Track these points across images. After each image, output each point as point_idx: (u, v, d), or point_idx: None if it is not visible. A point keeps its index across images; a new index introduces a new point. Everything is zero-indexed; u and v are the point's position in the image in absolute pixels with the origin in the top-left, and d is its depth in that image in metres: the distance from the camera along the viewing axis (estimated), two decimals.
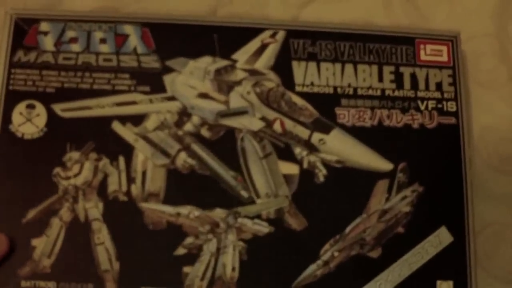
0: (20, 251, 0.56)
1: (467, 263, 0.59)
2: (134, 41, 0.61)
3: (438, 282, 0.58)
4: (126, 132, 0.59)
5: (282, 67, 0.62)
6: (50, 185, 0.58)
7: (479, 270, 0.61)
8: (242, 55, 0.62)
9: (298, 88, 0.61)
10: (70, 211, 0.57)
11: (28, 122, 0.59)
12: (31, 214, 0.57)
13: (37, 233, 0.57)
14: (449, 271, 0.59)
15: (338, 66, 0.62)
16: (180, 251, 0.57)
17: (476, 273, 0.59)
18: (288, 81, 0.62)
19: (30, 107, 0.59)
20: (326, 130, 0.60)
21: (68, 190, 0.58)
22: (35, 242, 0.56)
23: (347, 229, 0.59)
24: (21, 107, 0.59)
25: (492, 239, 0.63)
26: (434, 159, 0.61)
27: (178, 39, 0.62)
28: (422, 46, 0.63)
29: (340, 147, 0.60)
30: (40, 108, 0.59)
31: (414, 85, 0.62)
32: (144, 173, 0.59)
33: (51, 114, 0.59)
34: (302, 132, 0.60)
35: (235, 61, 0.62)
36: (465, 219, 0.60)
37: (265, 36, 0.63)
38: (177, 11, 0.66)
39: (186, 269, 0.57)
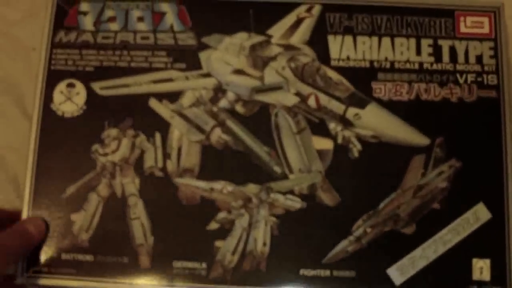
0: (60, 225, 0.62)
1: (505, 241, 0.61)
2: (170, 18, 0.66)
3: (474, 260, 0.61)
4: (162, 109, 0.64)
5: (317, 41, 0.66)
6: (89, 162, 0.64)
7: None
8: (277, 30, 0.66)
9: (333, 63, 0.65)
10: (108, 186, 0.63)
11: (69, 100, 0.65)
12: (71, 190, 0.63)
13: (76, 208, 0.63)
14: (486, 249, 0.62)
15: (375, 39, 0.66)
16: (213, 225, 0.62)
17: None
18: (323, 55, 0.65)
19: (71, 86, 0.65)
20: (362, 104, 0.64)
21: (106, 166, 0.64)
22: (74, 217, 0.63)
23: (381, 205, 0.62)
24: (61, 86, 0.65)
25: None
26: (473, 134, 0.63)
27: (214, 16, 0.66)
28: (462, 18, 0.66)
29: (376, 122, 0.64)
30: (79, 87, 0.65)
31: (453, 58, 0.65)
32: (179, 149, 0.64)
33: (90, 93, 0.65)
34: (337, 107, 0.64)
35: (270, 36, 0.66)
36: (505, 195, 0.62)
37: (300, 10, 0.66)
38: None
39: (218, 243, 0.62)
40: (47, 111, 0.65)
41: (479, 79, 0.65)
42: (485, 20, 0.66)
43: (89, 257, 0.62)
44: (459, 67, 0.65)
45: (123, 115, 0.65)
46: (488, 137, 0.63)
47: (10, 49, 0.72)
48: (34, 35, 0.68)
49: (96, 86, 0.65)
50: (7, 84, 0.71)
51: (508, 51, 0.67)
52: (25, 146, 0.64)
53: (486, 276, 0.61)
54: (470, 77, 0.65)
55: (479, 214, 0.62)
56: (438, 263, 0.61)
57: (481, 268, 0.61)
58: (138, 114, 0.64)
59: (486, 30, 0.66)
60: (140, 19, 0.67)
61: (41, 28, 0.67)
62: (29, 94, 0.68)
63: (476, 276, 0.61)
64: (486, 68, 0.65)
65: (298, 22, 0.66)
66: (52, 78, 0.66)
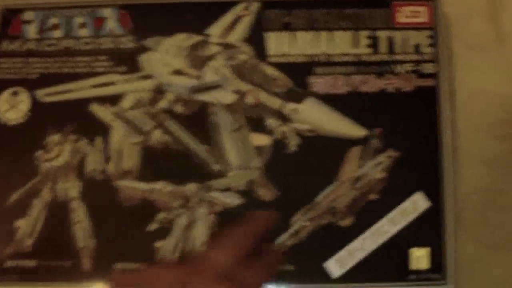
0: (4, 233, 0.65)
1: (444, 229, 0.62)
2: (111, 23, 0.69)
3: (413, 250, 0.62)
4: (103, 112, 0.67)
5: (256, 39, 0.68)
6: (32, 168, 0.66)
7: (465, 237, 0.65)
8: (215, 30, 0.68)
9: (271, 59, 0.67)
10: (51, 191, 0.65)
11: (13, 108, 0.67)
12: (14, 196, 0.66)
13: (20, 215, 0.65)
14: (425, 238, 0.63)
15: (312, 34, 0.67)
16: (153, 226, 0.64)
17: (455, 239, 0.62)
18: (261, 52, 0.67)
19: (15, 94, 0.68)
20: (299, 99, 0.66)
21: (49, 172, 0.66)
22: (18, 223, 0.65)
23: (319, 198, 0.63)
24: (6, 94, 0.68)
25: (480, 205, 0.66)
26: (410, 123, 0.65)
27: (154, 18, 0.69)
28: (399, 8, 0.67)
29: (313, 116, 0.65)
30: (24, 95, 0.68)
31: (391, 48, 0.66)
32: (120, 152, 0.66)
33: (34, 100, 0.68)
34: (275, 103, 0.66)
35: (208, 35, 0.68)
36: (443, 184, 0.63)
37: (238, 9, 0.68)
38: None
39: (158, 243, 0.63)
40: None
41: (417, 67, 0.66)
42: (423, 9, 0.67)
43: (32, 262, 0.64)
44: (396, 57, 0.66)
45: (66, 120, 0.67)
46: (426, 126, 0.64)
47: None
48: None
49: (41, 93, 0.68)
50: None
51: (450, 41, 0.69)
52: None
53: (425, 265, 0.62)
54: (408, 67, 0.66)
55: (418, 203, 0.63)
56: (376, 254, 0.62)
57: (420, 257, 0.62)
58: (80, 119, 0.67)
59: (423, 19, 0.67)
60: (82, 25, 0.69)
61: None
62: None
63: (414, 265, 0.62)
64: (424, 57, 0.66)
65: (236, 20, 0.68)
66: None
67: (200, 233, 0.64)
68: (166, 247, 0.63)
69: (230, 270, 0.50)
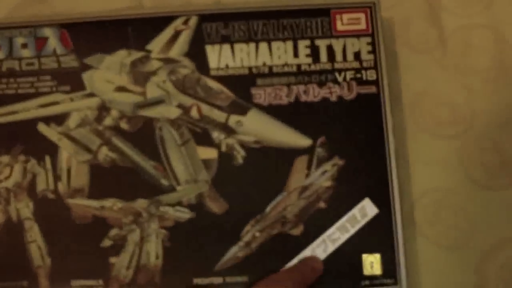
0: None
1: (393, 234, 0.64)
2: (53, 42, 0.69)
3: (364, 256, 0.64)
4: (50, 132, 0.67)
5: (196, 52, 0.69)
6: None
7: (417, 239, 0.67)
8: (156, 45, 0.69)
9: (213, 72, 0.68)
10: (3, 212, 0.66)
11: None
12: None
13: None
14: (375, 243, 0.65)
15: (252, 46, 0.68)
16: (106, 242, 0.65)
17: (406, 243, 0.64)
18: (202, 66, 0.68)
19: None
20: (243, 111, 0.67)
21: (0, 192, 0.67)
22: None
23: (268, 209, 0.65)
24: None
25: (432, 205, 0.69)
26: (354, 130, 0.66)
27: (94, 36, 0.69)
28: (338, 16, 0.68)
29: (257, 127, 0.66)
30: None
31: (331, 57, 0.68)
32: (69, 170, 0.67)
33: None
34: (219, 116, 0.67)
35: (149, 51, 0.69)
36: (390, 189, 0.65)
37: (177, 23, 0.69)
38: (94, 7, 0.73)
39: (113, 259, 0.65)
40: None
41: (358, 75, 0.67)
42: (362, 16, 0.68)
43: None
44: (337, 66, 0.67)
45: (14, 141, 0.68)
46: (370, 133, 0.66)
47: None
48: None
49: None
50: None
51: (393, 45, 0.71)
52: None
53: (377, 270, 0.64)
54: (349, 74, 0.67)
55: (366, 209, 0.65)
56: (328, 261, 0.64)
57: (372, 263, 0.64)
58: (28, 139, 0.68)
59: (363, 26, 0.68)
60: (24, 45, 0.70)
61: None
62: None
63: (367, 271, 0.64)
64: (364, 64, 0.67)
65: (176, 35, 0.69)
66: None
67: (153, 248, 0.65)
68: (120, 262, 0.65)
69: None
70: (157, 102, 0.68)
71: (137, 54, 0.69)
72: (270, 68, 0.68)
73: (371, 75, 0.67)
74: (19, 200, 0.67)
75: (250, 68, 0.68)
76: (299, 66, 0.68)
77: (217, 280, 0.64)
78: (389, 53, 0.69)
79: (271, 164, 0.66)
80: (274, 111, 0.67)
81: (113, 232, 0.65)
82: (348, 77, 0.67)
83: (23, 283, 0.65)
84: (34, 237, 0.66)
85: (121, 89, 0.68)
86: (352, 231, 0.64)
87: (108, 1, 0.75)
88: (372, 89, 0.67)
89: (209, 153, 0.67)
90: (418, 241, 0.67)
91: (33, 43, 0.70)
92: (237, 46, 0.68)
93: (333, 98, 0.67)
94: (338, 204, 0.65)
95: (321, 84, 0.67)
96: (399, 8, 0.72)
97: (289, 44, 0.68)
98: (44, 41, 0.70)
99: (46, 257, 0.65)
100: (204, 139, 0.67)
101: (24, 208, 0.67)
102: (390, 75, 0.68)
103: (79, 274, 0.65)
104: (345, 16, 0.68)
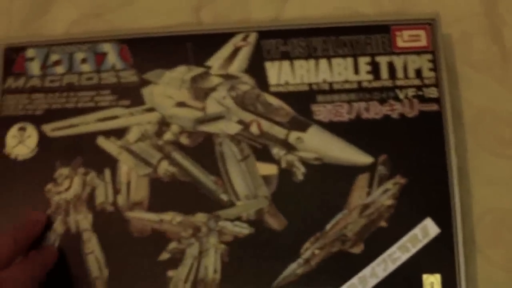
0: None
1: (455, 254, 0.63)
2: (112, 58, 0.71)
3: (425, 276, 0.63)
4: (110, 145, 0.69)
5: (255, 69, 0.69)
6: (44, 201, 0.68)
7: (479, 258, 0.67)
8: (215, 61, 0.70)
9: (272, 89, 0.68)
10: (63, 223, 0.67)
11: (21, 144, 0.69)
12: None
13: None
14: (436, 263, 0.64)
15: (312, 62, 0.69)
16: (164, 256, 0.65)
17: (467, 263, 0.63)
18: (262, 82, 0.69)
19: (22, 129, 0.70)
20: (303, 128, 0.67)
21: (60, 204, 0.68)
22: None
23: (328, 226, 0.65)
24: (13, 130, 0.70)
25: (492, 225, 0.68)
26: (416, 148, 0.66)
27: (154, 52, 0.71)
28: (398, 33, 0.68)
29: (318, 144, 0.67)
30: (31, 130, 0.70)
31: (392, 74, 0.68)
32: (128, 184, 0.68)
33: (41, 135, 0.69)
34: (279, 132, 0.67)
35: (209, 67, 0.70)
36: (452, 209, 0.64)
37: (237, 40, 0.70)
38: (152, 23, 0.75)
39: (170, 273, 0.65)
40: (1, 156, 0.69)
41: (420, 93, 0.67)
42: (422, 33, 0.68)
43: None
44: (398, 83, 0.67)
45: (73, 154, 0.69)
46: (432, 151, 0.66)
47: None
48: None
49: (47, 128, 0.70)
50: None
51: (454, 62, 0.70)
52: None
53: None
54: (410, 92, 0.67)
55: (428, 229, 0.64)
56: (388, 281, 0.64)
57: (432, 283, 0.63)
58: (87, 152, 0.69)
59: (423, 43, 0.68)
60: (84, 60, 0.71)
61: None
62: None
63: None
64: (426, 82, 0.67)
65: (236, 51, 0.70)
66: (4, 123, 0.70)
67: (212, 262, 0.65)
68: (178, 276, 0.65)
69: None
70: (217, 117, 0.68)
71: (197, 70, 0.70)
72: (331, 84, 0.68)
73: (432, 92, 0.67)
74: (78, 212, 0.68)
75: (310, 85, 0.68)
76: (359, 82, 0.68)
77: None
78: (449, 70, 0.69)
79: (332, 181, 0.66)
80: (335, 128, 0.67)
81: (172, 245, 0.66)
82: (409, 94, 0.67)
83: None
84: (92, 248, 0.67)
85: (181, 104, 0.69)
86: (413, 250, 0.64)
87: (166, 17, 0.76)
88: (434, 107, 0.66)
89: (269, 169, 0.67)
90: (478, 262, 0.67)
91: (93, 58, 0.71)
92: (297, 63, 0.69)
93: (395, 115, 0.67)
94: (399, 223, 0.65)
95: (382, 101, 0.67)
96: (459, 25, 0.72)
97: (349, 60, 0.68)
98: (103, 56, 0.71)
99: (104, 268, 0.66)
100: (264, 155, 0.67)
101: (83, 220, 0.68)
102: (451, 92, 0.67)
103: (136, 286, 0.66)
104: (406, 33, 0.68)
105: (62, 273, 0.67)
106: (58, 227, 0.67)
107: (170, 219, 0.66)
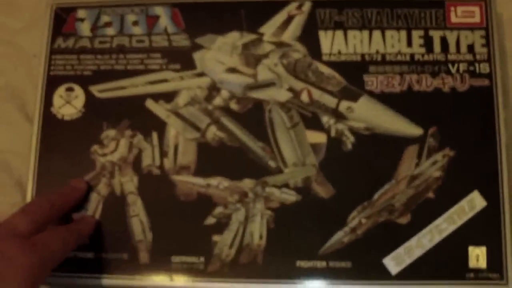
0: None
1: (501, 228, 0.64)
2: (164, 21, 0.71)
3: (470, 248, 0.64)
4: (158, 109, 0.69)
5: (308, 37, 0.70)
6: (89, 162, 0.68)
7: None
8: (268, 28, 0.70)
9: (325, 58, 0.69)
10: (107, 186, 0.68)
11: (68, 104, 0.70)
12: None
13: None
14: (482, 236, 0.64)
15: (365, 33, 0.69)
16: (210, 220, 0.66)
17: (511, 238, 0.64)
18: (315, 51, 0.69)
19: (69, 90, 0.70)
20: (354, 97, 0.68)
21: (105, 166, 0.68)
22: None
23: (375, 196, 0.65)
24: (61, 90, 0.70)
25: None
26: (466, 122, 0.66)
27: (206, 17, 0.71)
28: (452, 8, 0.69)
29: (368, 114, 0.67)
30: (78, 91, 0.70)
31: (445, 48, 0.68)
32: (176, 147, 0.68)
33: (88, 96, 0.70)
34: (330, 101, 0.68)
35: (262, 34, 0.70)
36: (499, 183, 0.65)
37: (291, 8, 0.70)
38: None
39: (215, 237, 0.65)
40: (48, 115, 0.70)
41: (471, 68, 0.68)
42: (476, 9, 0.69)
43: (89, 255, 0.66)
44: (450, 57, 0.68)
45: (120, 116, 0.69)
46: (481, 125, 0.66)
47: (13, 56, 0.77)
48: (35, 42, 0.73)
49: (94, 89, 0.70)
50: (11, 90, 0.76)
51: (503, 40, 0.71)
52: (29, 150, 0.69)
53: (482, 263, 0.64)
54: (462, 67, 0.68)
55: (474, 202, 0.65)
56: (434, 252, 0.64)
57: (477, 256, 0.64)
58: (135, 115, 0.69)
59: (477, 19, 0.69)
60: (135, 23, 0.71)
61: (41, 36, 0.72)
62: (31, 100, 0.72)
63: (472, 264, 0.64)
64: (478, 57, 0.68)
65: (289, 19, 0.70)
66: (52, 83, 0.71)
67: (258, 228, 0.66)
68: (223, 241, 0.65)
69: (26, 232, 0.57)
70: (268, 84, 0.68)
71: (249, 37, 0.70)
72: (383, 56, 0.68)
73: (484, 68, 0.67)
74: (124, 175, 0.68)
75: (362, 55, 0.69)
76: (412, 55, 0.68)
77: (321, 264, 0.64)
78: (499, 48, 0.69)
79: (381, 151, 0.66)
80: (386, 99, 0.67)
81: (218, 210, 0.66)
82: (461, 69, 0.67)
83: (123, 255, 0.66)
84: (137, 211, 0.67)
85: (232, 70, 0.69)
86: (459, 222, 0.64)
87: None
88: (485, 82, 0.67)
89: (318, 137, 0.67)
90: None
91: (144, 21, 0.71)
92: (350, 33, 0.69)
93: (446, 89, 0.67)
94: (447, 195, 0.65)
95: (434, 75, 0.68)
96: (510, 5, 0.73)
97: (403, 33, 0.69)
98: (155, 19, 0.71)
99: (148, 231, 0.66)
100: (313, 123, 0.67)
101: (129, 183, 0.68)
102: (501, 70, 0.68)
103: (180, 251, 0.66)
104: (460, 9, 0.69)
105: (104, 235, 0.67)
106: (102, 189, 0.68)
107: (217, 184, 0.67)
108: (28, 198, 0.68)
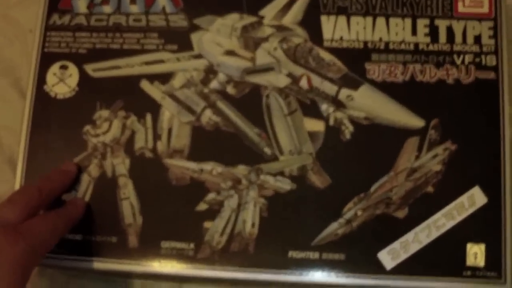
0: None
1: (501, 226, 0.63)
2: (162, 0, 0.69)
3: (469, 245, 0.63)
4: (153, 90, 0.67)
5: (310, 22, 0.68)
6: (81, 142, 0.67)
7: None
8: (269, 11, 0.69)
9: (326, 43, 0.67)
10: (98, 167, 0.66)
11: (61, 82, 0.68)
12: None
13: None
14: (481, 234, 0.63)
15: (369, 19, 0.67)
16: (202, 206, 0.65)
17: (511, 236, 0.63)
18: (316, 36, 0.68)
19: (63, 68, 0.69)
20: (355, 86, 0.66)
21: (97, 147, 0.67)
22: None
23: (373, 188, 0.64)
24: (55, 68, 0.69)
25: None
26: (469, 116, 0.65)
27: None
28: None
29: (369, 103, 0.65)
30: (72, 69, 0.68)
31: (450, 38, 0.67)
32: (170, 130, 0.67)
33: (82, 74, 0.68)
34: (330, 88, 0.66)
35: (262, 17, 0.68)
36: (502, 179, 0.63)
37: None
38: None
39: (207, 224, 0.64)
40: (40, 92, 0.68)
41: (477, 60, 0.66)
42: None
43: (78, 237, 0.65)
44: (456, 48, 0.66)
45: (115, 96, 0.68)
46: (485, 120, 0.65)
47: (8, 31, 0.76)
48: (32, 17, 0.72)
49: (89, 68, 0.68)
50: (5, 65, 0.75)
51: (510, 31, 0.69)
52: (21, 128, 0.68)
53: (481, 261, 0.62)
54: (468, 58, 0.66)
55: (475, 198, 0.63)
56: (431, 247, 0.63)
57: (476, 254, 0.62)
58: (129, 96, 0.68)
59: (485, 9, 0.67)
60: (133, 1, 0.70)
61: (37, 11, 0.71)
62: (26, 76, 0.71)
63: (470, 261, 0.62)
64: (484, 49, 0.66)
65: (291, 2, 0.69)
66: (46, 60, 0.69)
67: (250, 216, 0.64)
68: (215, 228, 0.64)
69: (14, 221, 0.57)
70: (266, 69, 0.67)
71: (249, 19, 0.68)
72: (387, 44, 0.67)
73: (490, 60, 0.66)
74: (116, 156, 0.67)
75: (365, 43, 0.67)
76: (416, 44, 0.67)
77: (313, 255, 0.63)
78: (507, 40, 0.67)
79: (380, 142, 0.65)
80: (388, 89, 0.66)
81: (210, 196, 0.65)
82: (466, 61, 0.66)
83: (112, 239, 0.65)
84: (128, 194, 0.66)
85: (230, 53, 0.68)
86: (459, 218, 0.63)
87: None
88: (491, 75, 0.65)
89: (316, 125, 0.66)
90: None
91: None
92: (354, 19, 0.68)
93: (450, 80, 0.65)
94: (446, 189, 0.64)
95: (438, 65, 0.66)
96: None
97: (408, 21, 0.67)
98: None
99: (138, 215, 0.65)
100: (312, 110, 0.66)
101: (120, 165, 0.66)
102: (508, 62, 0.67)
103: (171, 236, 0.65)
104: None
105: (94, 218, 0.66)
106: (93, 170, 0.67)
107: (211, 169, 0.65)
108: (18, 175, 0.67)
